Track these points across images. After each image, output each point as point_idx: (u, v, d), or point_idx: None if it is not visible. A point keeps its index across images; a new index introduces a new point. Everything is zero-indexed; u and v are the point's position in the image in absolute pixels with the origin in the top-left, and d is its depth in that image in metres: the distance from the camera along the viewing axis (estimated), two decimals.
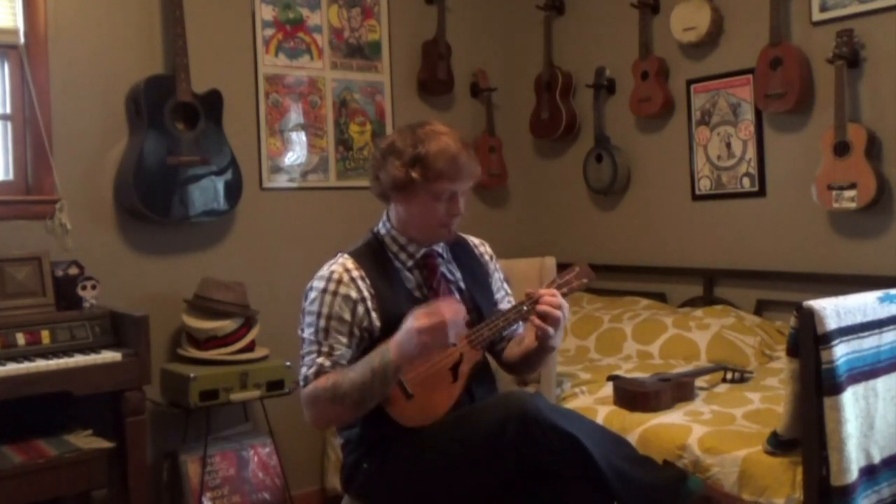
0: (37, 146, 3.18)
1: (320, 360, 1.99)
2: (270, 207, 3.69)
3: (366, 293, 2.03)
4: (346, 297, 2.01)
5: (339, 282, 2.02)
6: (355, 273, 2.04)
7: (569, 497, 1.90)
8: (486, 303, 2.17)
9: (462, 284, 2.18)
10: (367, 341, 2.04)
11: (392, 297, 2.05)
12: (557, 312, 1.98)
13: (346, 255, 2.09)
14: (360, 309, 2.02)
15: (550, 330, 1.99)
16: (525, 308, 2.03)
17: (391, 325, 2.00)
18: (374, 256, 2.10)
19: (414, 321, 1.89)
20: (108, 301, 3.10)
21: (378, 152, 2.10)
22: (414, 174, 2.00)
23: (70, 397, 2.77)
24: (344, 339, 2.01)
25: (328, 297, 2.01)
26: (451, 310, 1.91)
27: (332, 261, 2.09)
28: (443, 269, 2.17)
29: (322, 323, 2.00)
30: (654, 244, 3.93)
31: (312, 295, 2.04)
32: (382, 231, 2.15)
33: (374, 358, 1.94)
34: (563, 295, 2.05)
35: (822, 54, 3.17)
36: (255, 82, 3.67)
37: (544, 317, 1.99)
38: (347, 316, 2.01)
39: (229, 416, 3.44)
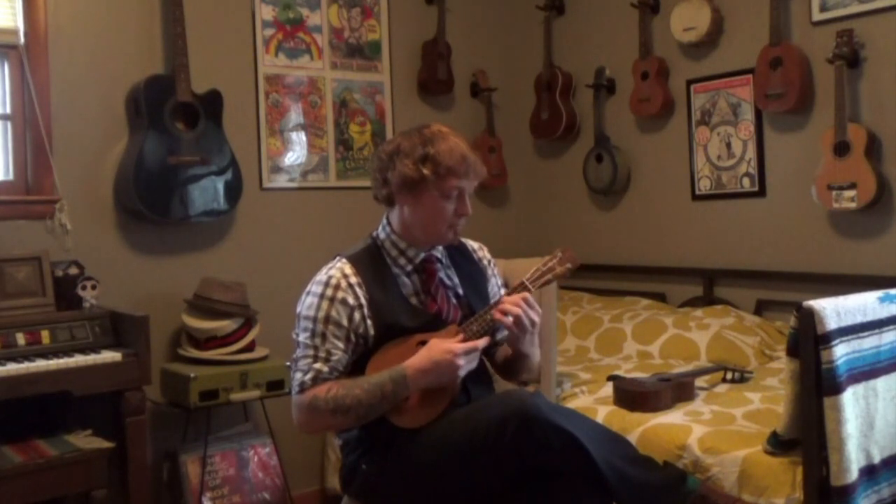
0: (37, 146, 3.17)
1: (318, 365, 1.99)
2: (270, 207, 3.69)
3: (363, 300, 2.03)
4: (344, 303, 2.01)
5: (337, 287, 2.02)
6: (353, 279, 2.04)
7: (568, 497, 1.90)
8: (483, 308, 2.17)
9: (459, 290, 2.18)
10: (362, 347, 2.04)
11: (388, 305, 2.05)
12: (508, 320, 1.99)
13: (343, 260, 2.08)
14: (357, 315, 2.02)
15: (514, 327, 2.00)
16: (492, 311, 2.04)
17: (386, 332, 2.02)
18: (372, 262, 2.09)
19: (458, 360, 1.94)
20: (108, 301, 3.10)
21: (384, 155, 2.09)
22: (425, 171, 2.01)
23: (70, 397, 2.77)
24: (341, 345, 2.01)
25: (325, 303, 2.01)
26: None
27: (330, 265, 2.09)
28: (441, 274, 2.17)
29: (320, 327, 2.00)
30: (654, 244, 3.93)
31: (310, 300, 2.04)
32: (382, 236, 2.15)
33: (386, 384, 1.95)
34: (549, 282, 2.07)
35: (822, 54, 3.17)
36: (255, 82, 3.67)
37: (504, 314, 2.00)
38: (345, 322, 2.01)
39: (229, 416, 3.44)
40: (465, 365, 1.97)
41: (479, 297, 2.20)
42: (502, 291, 2.29)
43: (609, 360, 3.42)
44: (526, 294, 2.03)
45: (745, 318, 3.40)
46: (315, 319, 2.01)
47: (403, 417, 1.99)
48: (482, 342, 2.01)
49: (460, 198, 2.07)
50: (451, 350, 1.95)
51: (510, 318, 1.99)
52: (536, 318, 2.03)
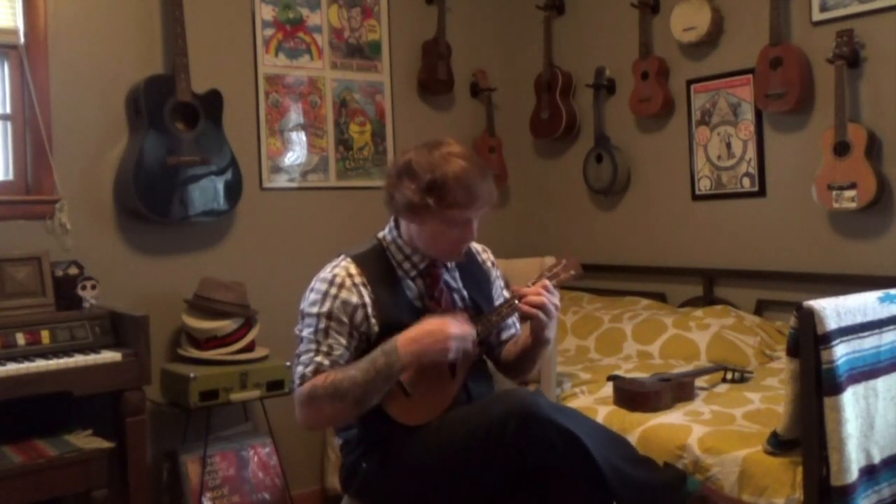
0: (37, 146, 3.17)
1: (319, 358, 1.99)
2: (270, 207, 3.69)
3: (366, 299, 2.02)
4: (347, 302, 2.01)
5: (341, 286, 2.02)
6: (357, 279, 2.03)
7: (568, 496, 1.91)
8: (488, 310, 2.17)
9: (464, 293, 2.18)
10: (364, 344, 2.04)
11: (392, 306, 2.04)
12: (536, 311, 2.02)
13: (348, 259, 2.08)
14: (360, 314, 2.01)
15: (542, 316, 2.02)
16: (516, 302, 2.05)
17: (389, 332, 2.00)
18: (377, 263, 2.09)
19: (450, 328, 1.93)
20: (108, 301, 3.10)
21: (393, 171, 2.06)
22: (429, 200, 1.97)
23: (70, 397, 2.77)
24: (343, 340, 2.00)
25: (329, 300, 2.01)
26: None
27: (335, 262, 2.08)
28: (446, 277, 2.16)
29: (322, 323, 2.00)
30: (654, 244, 3.93)
31: (313, 296, 2.04)
32: (388, 238, 2.13)
33: (378, 357, 1.94)
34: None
35: (822, 54, 3.17)
36: (255, 82, 3.67)
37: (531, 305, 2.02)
38: (346, 319, 2.00)
39: (229, 416, 3.45)
40: (456, 339, 1.94)
41: (483, 299, 2.20)
42: (505, 293, 2.28)
43: (609, 360, 3.42)
44: (545, 282, 2.04)
45: (745, 318, 3.40)
46: (318, 315, 2.00)
47: (404, 415, 1.99)
48: (475, 330, 2.02)
49: (466, 224, 2.04)
50: (443, 321, 1.96)
51: (535, 310, 2.01)
52: (558, 303, 2.07)
